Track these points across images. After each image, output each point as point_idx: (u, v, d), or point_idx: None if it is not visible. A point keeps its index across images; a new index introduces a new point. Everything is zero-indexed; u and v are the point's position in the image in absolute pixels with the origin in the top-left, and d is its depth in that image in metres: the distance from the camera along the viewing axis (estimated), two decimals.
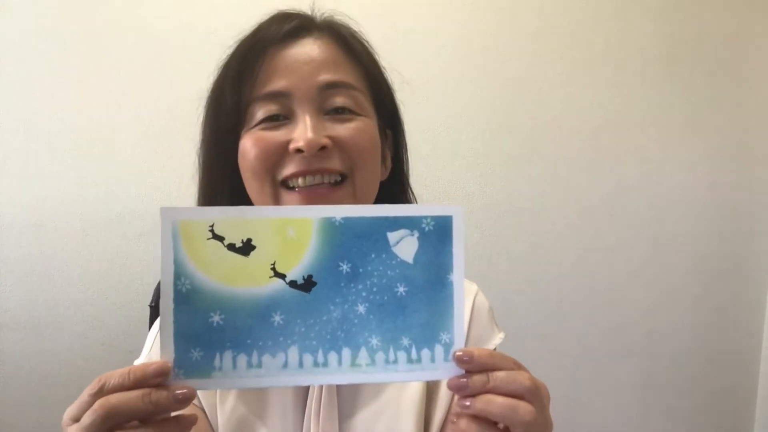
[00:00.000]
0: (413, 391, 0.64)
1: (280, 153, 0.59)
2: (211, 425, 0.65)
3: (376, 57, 0.69)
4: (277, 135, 0.60)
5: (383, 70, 0.69)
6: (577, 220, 1.62)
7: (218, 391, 0.65)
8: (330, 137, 0.59)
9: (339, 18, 0.68)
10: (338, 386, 0.64)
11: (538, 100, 1.58)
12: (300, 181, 0.59)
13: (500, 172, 1.59)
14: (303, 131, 0.58)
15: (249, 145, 0.60)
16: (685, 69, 1.62)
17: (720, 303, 1.70)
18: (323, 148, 0.58)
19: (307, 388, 0.65)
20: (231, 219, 0.44)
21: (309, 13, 0.67)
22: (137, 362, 0.67)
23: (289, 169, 0.59)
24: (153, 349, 0.69)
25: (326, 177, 0.60)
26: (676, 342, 1.68)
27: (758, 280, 1.71)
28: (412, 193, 0.75)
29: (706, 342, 1.70)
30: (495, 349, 0.69)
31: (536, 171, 1.60)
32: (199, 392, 0.66)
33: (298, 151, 0.58)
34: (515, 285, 1.61)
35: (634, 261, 1.65)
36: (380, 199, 0.67)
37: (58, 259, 1.49)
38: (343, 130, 0.60)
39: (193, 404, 0.66)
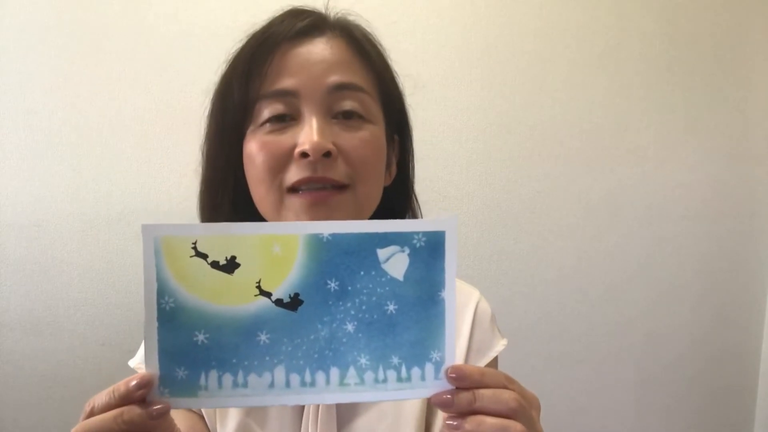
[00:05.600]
0: (414, 400, 0.64)
1: (286, 158, 0.58)
2: (209, 430, 0.66)
3: (389, 61, 0.68)
4: (283, 139, 0.59)
5: (395, 74, 0.68)
6: (577, 220, 1.62)
7: None
8: (336, 144, 0.58)
9: (353, 18, 0.67)
10: None
11: (538, 100, 1.58)
12: (304, 185, 0.58)
13: (500, 172, 1.58)
14: (309, 134, 0.57)
15: (255, 150, 0.59)
16: (685, 69, 1.61)
17: (720, 303, 1.70)
18: (328, 154, 0.57)
19: None
20: (214, 236, 0.43)
21: (323, 11, 0.65)
22: (131, 362, 0.69)
23: (294, 176, 0.58)
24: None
25: (329, 184, 0.59)
26: (675, 342, 1.68)
27: (758, 280, 1.71)
28: (416, 200, 0.74)
29: (706, 342, 1.70)
30: (497, 357, 0.70)
31: (536, 171, 1.59)
32: None
33: (303, 155, 0.57)
34: (515, 285, 1.61)
35: (634, 261, 1.65)
36: (383, 205, 0.66)
37: (58, 259, 1.49)
38: (350, 139, 0.59)
39: (192, 410, 0.66)
